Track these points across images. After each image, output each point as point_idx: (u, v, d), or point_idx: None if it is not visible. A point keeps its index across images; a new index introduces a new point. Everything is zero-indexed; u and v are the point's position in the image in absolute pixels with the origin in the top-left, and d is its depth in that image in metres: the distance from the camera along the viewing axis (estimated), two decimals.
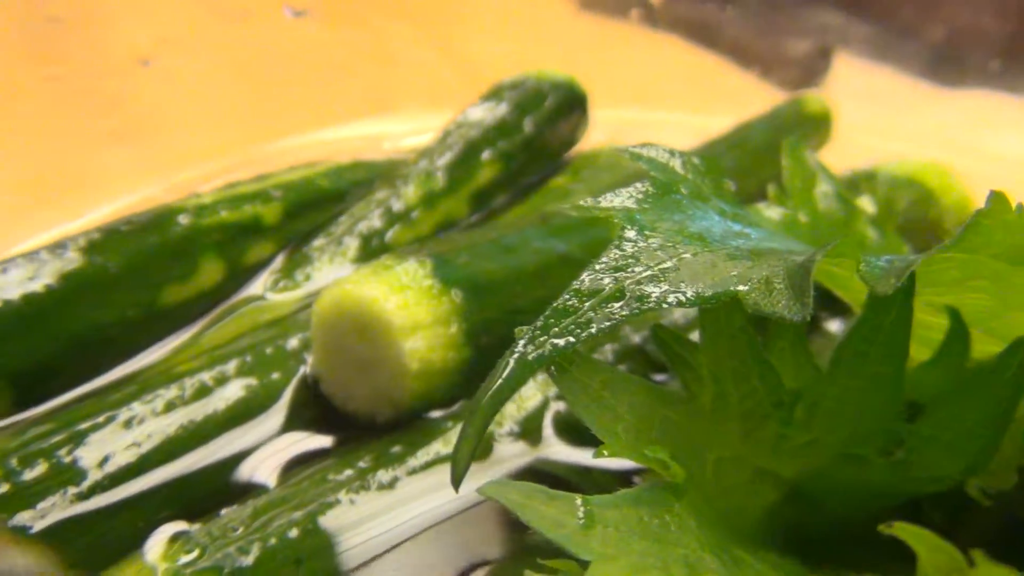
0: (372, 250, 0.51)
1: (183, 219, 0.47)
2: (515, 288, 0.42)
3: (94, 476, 0.35)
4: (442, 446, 0.38)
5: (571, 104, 0.64)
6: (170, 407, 0.38)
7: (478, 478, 0.37)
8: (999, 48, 0.66)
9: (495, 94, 0.63)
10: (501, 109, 0.61)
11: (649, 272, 0.27)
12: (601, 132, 0.70)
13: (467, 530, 0.36)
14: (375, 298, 0.38)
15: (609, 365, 0.29)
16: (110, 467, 0.36)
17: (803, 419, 0.29)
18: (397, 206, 0.53)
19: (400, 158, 0.62)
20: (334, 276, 0.49)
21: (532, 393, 0.40)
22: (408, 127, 0.76)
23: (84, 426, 0.36)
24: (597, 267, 0.28)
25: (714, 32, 0.94)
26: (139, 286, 0.43)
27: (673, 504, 0.26)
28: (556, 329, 0.27)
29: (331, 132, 0.73)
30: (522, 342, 0.27)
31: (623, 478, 0.37)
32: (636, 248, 0.28)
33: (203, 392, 0.39)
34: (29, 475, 0.34)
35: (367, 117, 0.76)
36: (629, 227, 0.29)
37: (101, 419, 0.37)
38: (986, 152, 0.66)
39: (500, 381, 0.27)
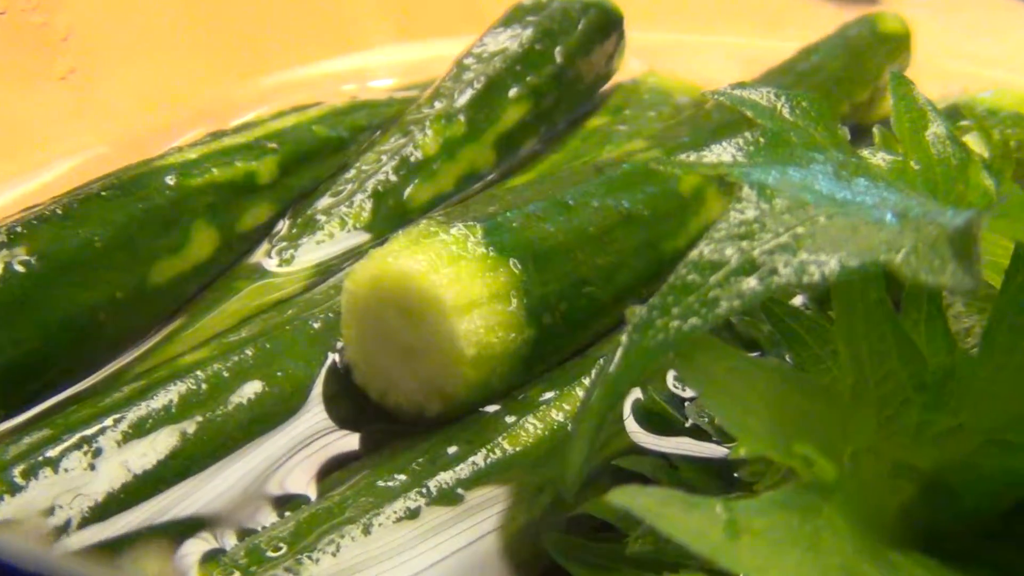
0: (390, 210, 0.52)
1: (169, 180, 0.48)
2: (577, 255, 0.42)
3: (110, 489, 0.36)
4: (508, 444, 0.38)
5: (606, 27, 0.65)
6: (187, 406, 0.38)
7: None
8: None
9: (515, 18, 0.63)
10: (525, 36, 0.62)
11: (779, 240, 0.27)
12: (635, 59, 0.70)
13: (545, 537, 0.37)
14: (422, 271, 0.38)
15: (735, 348, 0.29)
16: (127, 478, 0.36)
17: (949, 403, 0.29)
18: (414, 156, 0.54)
19: (405, 97, 0.63)
20: (349, 243, 0.51)
21: None
22: (373, 64, 0.77)
23: (90, 431, 0.37)
24: (716, 235, 0.28)
25: None
26: (128, 261, 0.44)
27: (822, 507, 0.26)
28: (677, 309, 0.27)
29: (281, 76, 0.73)
30: (637, 325, 0.27)
31: (716, 473, 0.38)
32: (759, 211, 0.28)
33: (221, 388, 0.39)
34: (36, 489, 0.35)
35: (326, 55, 0.76)
36: (748, 186, 0.29)
37: (108, 422, 0.37)
38: None
39: (614, 372, 0.27)
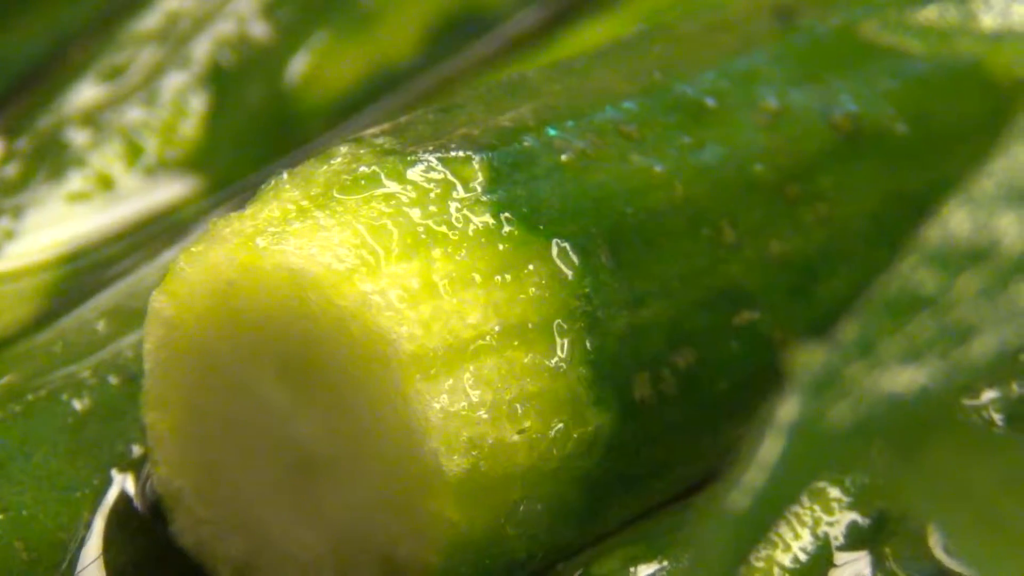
0: (256, 113, 0.37)
1: None
2: (724, 232, 0.29)
3: None
4: None
5: None
6: None
7: None
8: None
9: None
10: None
11: None
12: None
13: None
14: (340, 275, 0.25)
15: (1012, 438, 0.25)
16: None
17: None
18: None
19: None
20: (151, 201, 0.36)
21: (799, 529, 0.28)
22: None
23: None
24: (981, 189, 0.19)
25: None
26: None
27: None
28: (891, 346, 0.19)
29: None
30: (812, 381, 0.19)
31: None
32: None
33: None
34: None
35: None
36: None
37: None
38: None
39: (762, 485, 0.19)
